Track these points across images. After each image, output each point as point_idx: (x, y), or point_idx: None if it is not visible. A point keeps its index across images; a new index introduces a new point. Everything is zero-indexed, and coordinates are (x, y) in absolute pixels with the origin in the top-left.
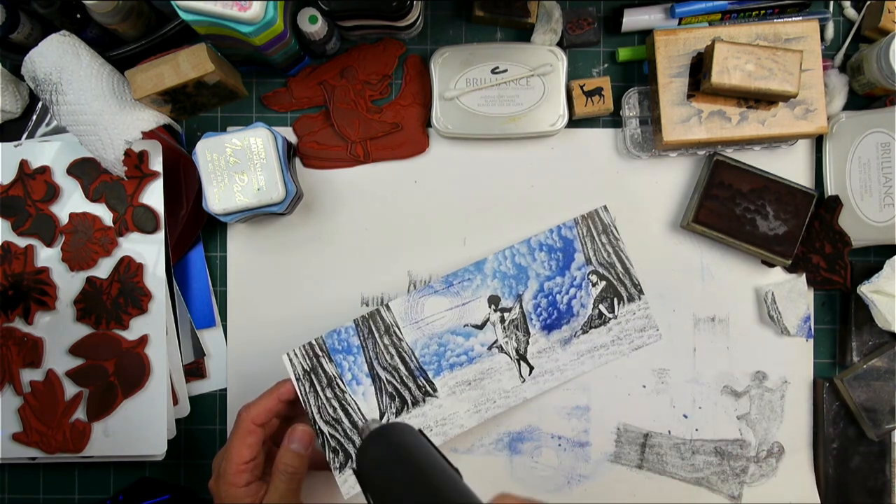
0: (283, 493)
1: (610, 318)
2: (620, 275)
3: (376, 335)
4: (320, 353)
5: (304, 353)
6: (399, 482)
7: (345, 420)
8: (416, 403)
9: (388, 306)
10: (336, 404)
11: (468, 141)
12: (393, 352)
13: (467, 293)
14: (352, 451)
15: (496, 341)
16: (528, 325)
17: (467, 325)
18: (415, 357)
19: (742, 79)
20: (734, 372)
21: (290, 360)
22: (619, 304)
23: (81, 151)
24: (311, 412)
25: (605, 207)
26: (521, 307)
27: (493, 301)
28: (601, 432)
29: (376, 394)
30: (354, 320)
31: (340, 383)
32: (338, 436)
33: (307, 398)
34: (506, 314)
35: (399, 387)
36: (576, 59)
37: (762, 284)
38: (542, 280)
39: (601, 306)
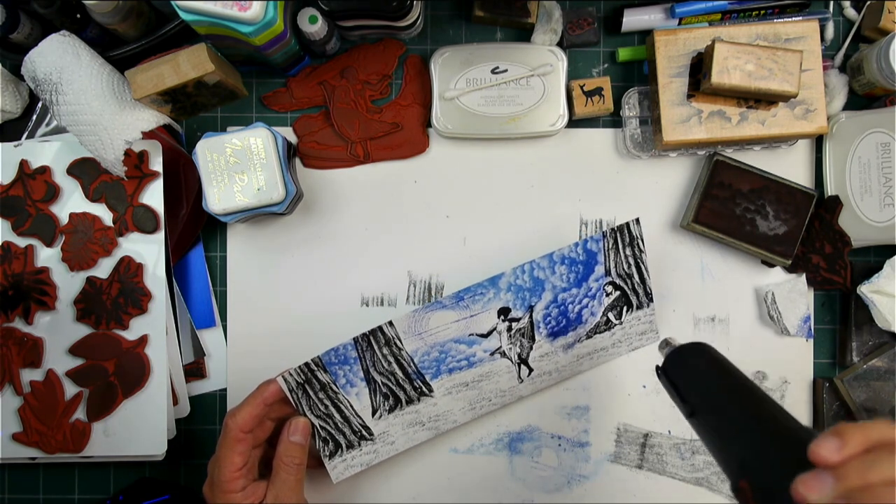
0: (292, 485)
1: (616, 325)
2: (636, 285)
3: (375, 347)
4: (315, 369)
5: (298, 371)
6: (720, 383)
7: (336, 415)
8: (410, 402)
9: (390, 323)
10: (328, 402)
11: (468, 141)
12: (391, 359)
13: (477, 306)
14: (342, 441)
15: (499, 347)
16: (535, 333)
17: (472, 335)
18: (413, 363)
19: (742, 79)
20: None
21: (286, 380)
22: (627, 311)
23: (81, 151)
24: (303, 410)
25: (636, 220)
26: (530, 317)
27: (503, 312)
28: (601, 432)
29: (370, 394)
30: (354, 338)
31: (334, 387)
32: (328, 427)
33: (300, 402)
34: (514, 324)
35: (394, 388)
36: (576, 59)
37: (762, 284)
38: (557, 292)
39: (610, 314)
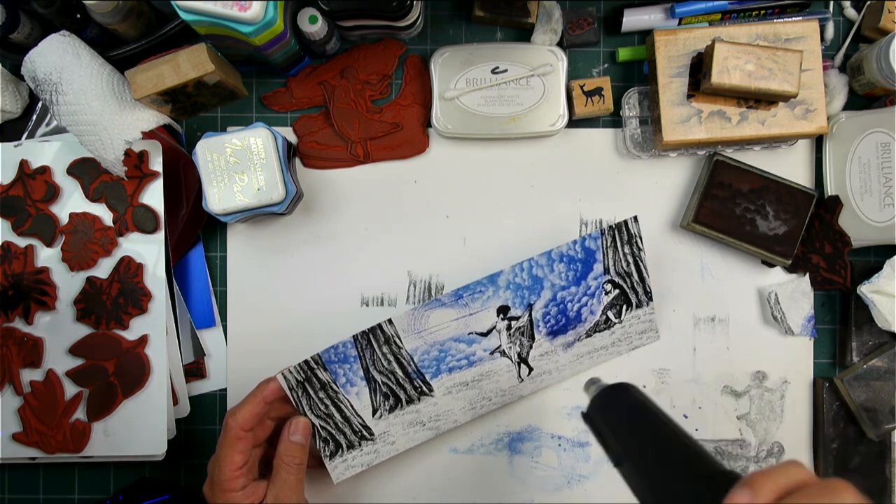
0: (292, 484)
1: (615, 323)
2: (635, 283)
3: (375, 346)
4: (315, 367)
5: (298, 369)
6: (644, 429)
7: (336, 415)
8: (410, 402)
9: (390, 321)
10: (328, 402)
11: (468, 141)
12: (391, 358)
13: (476, 304)
14: (342, 441)
15: (499, 346)
16: (535, 332)
17: (472, 333)
18: (413, 362)
19: (742, 79)
20: (734, 372)
21: (286, 377)
22: (627, 310)
23: (81, 151)
24: (303, 410)
25: (634, 218)
26: (530, 315)
27: (503, 311)
28: None
29: (370, 394)
30: (353, 336)
31: (334, 386)
32: (329, 427)
33: (300, 401)
34: (513, 322)
35: (394, 387)
36: (576, 59)
37: (763, 285)
38: (556, 290)
39: (609, 312)
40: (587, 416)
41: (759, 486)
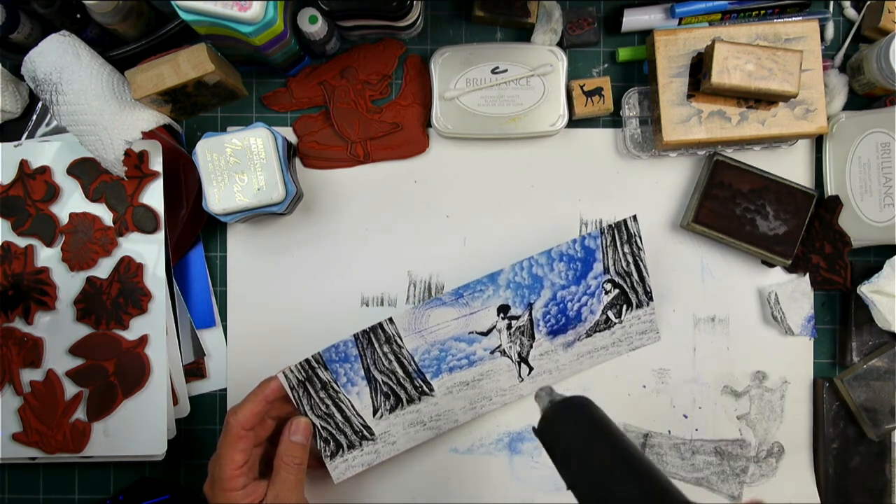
0: (293, 484)
1: (615, 323)
2: (635, 283)
3: (376, 345)
4: (316, 366)
5: (299, 368)
6: (601, 453)
7: (337, 415)
8: (411, 401)
9: (391, 320)
10: (329, 402)
11: (468, 141)
12: (392, 358)
13: (477, 304)
14: (343, 441)
15: (499, 346)
16: (535, 331)
17: (472, 332)
18: (414, 362)
19: (742, 79)
20: (734, 372)
21: (287, 376)
22: (627, 310)
23: (81, 151)
24: (304, 410)
25: (634, 218)
26: (530, 315)
27: (503, 310)
28: None
29: (371, 394)
30: (354, 335)
31: (335, 386)
32: (329, 427)
33: (300, 400)
34: (513, 321)
35: (395, 387)
36: (576, 59)
37: (763, 285)
38: (556, 289)
39: (609, 312)
40: (539, 432)
41: None
